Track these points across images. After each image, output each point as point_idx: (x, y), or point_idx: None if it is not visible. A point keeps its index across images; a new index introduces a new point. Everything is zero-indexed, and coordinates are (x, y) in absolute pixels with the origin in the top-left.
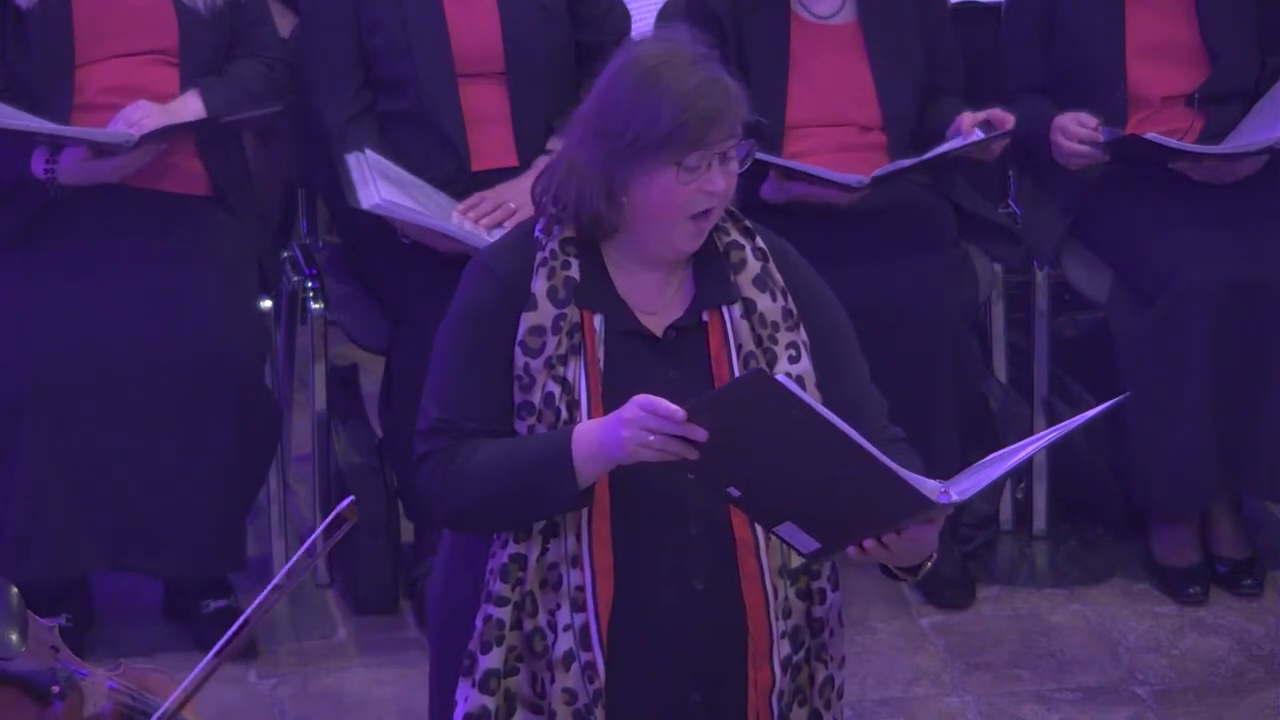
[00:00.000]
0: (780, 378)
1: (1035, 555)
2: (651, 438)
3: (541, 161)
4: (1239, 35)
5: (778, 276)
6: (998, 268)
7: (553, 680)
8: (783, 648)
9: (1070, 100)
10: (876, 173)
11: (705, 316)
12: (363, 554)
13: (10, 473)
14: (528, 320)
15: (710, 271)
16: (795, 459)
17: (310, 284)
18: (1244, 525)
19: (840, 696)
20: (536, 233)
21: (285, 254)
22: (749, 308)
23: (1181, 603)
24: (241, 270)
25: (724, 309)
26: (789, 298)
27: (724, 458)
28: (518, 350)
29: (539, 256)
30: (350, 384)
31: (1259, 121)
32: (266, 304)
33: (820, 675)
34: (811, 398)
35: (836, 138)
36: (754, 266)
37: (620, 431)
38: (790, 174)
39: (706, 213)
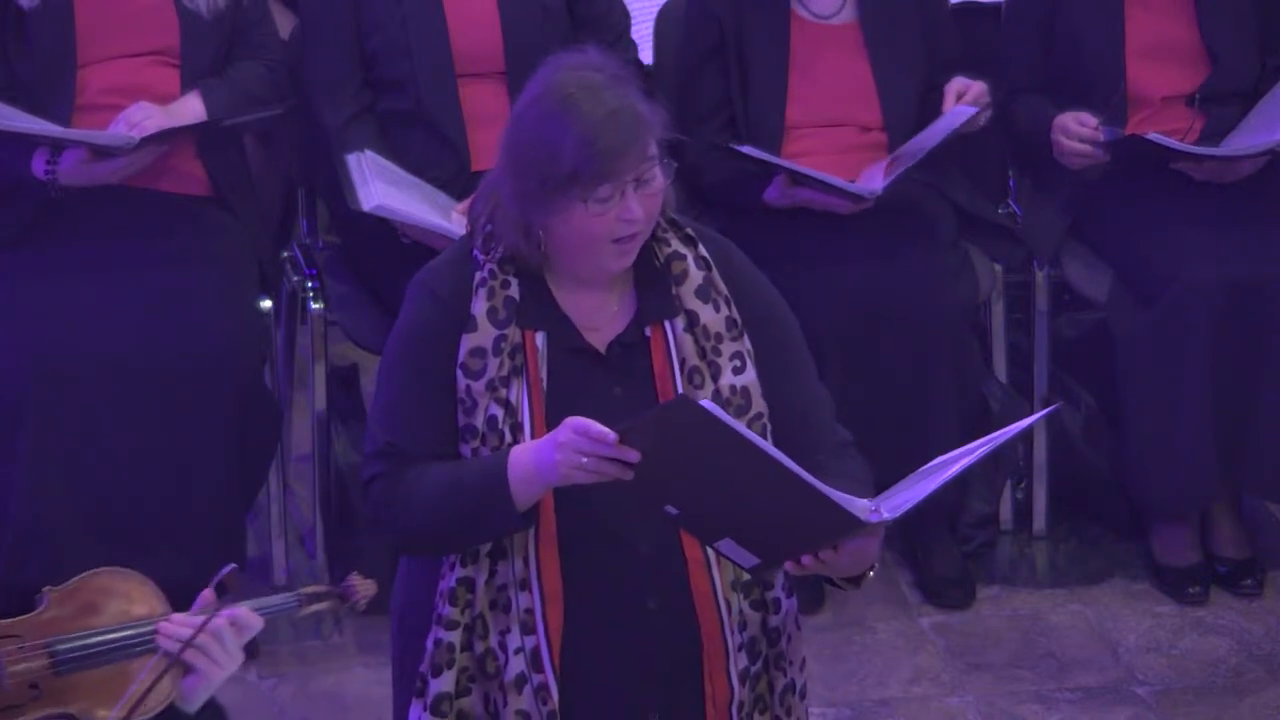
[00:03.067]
0: (705, 403)
1: (1035, 555)
2: (584, 460)
3: None
4: (1239, 35)
5: (721, 285)
6: (998, 268)
7: (505, 702)
8: (740, 660)
9: (1070, 100)
10: (887, 183)
11: (648, 331)
12: (363, 554)
13: (10, 473)
14: (468, 342)
15: (651, 285)
16: (727, 480)
17: (310, 284)
18: (1244, 525)
19: (803, 698)
20: (475, 252)
21: (285, 254)
22: (691, 320)
23: (1181, 603)
24: (241, 270)
25: (666, 323)
26: (733, 306)
27: (658, 478)
28: (459, 373)
29: (478, 276)
30: (350, 384)
31: (1260, 122)
32: (266, 304)
33: (780, 683)
34: (736, 421)
35: (837, 138)
36: (696, 277)
37: (553, 455)
38: (798, 180)
39: (632, 235)
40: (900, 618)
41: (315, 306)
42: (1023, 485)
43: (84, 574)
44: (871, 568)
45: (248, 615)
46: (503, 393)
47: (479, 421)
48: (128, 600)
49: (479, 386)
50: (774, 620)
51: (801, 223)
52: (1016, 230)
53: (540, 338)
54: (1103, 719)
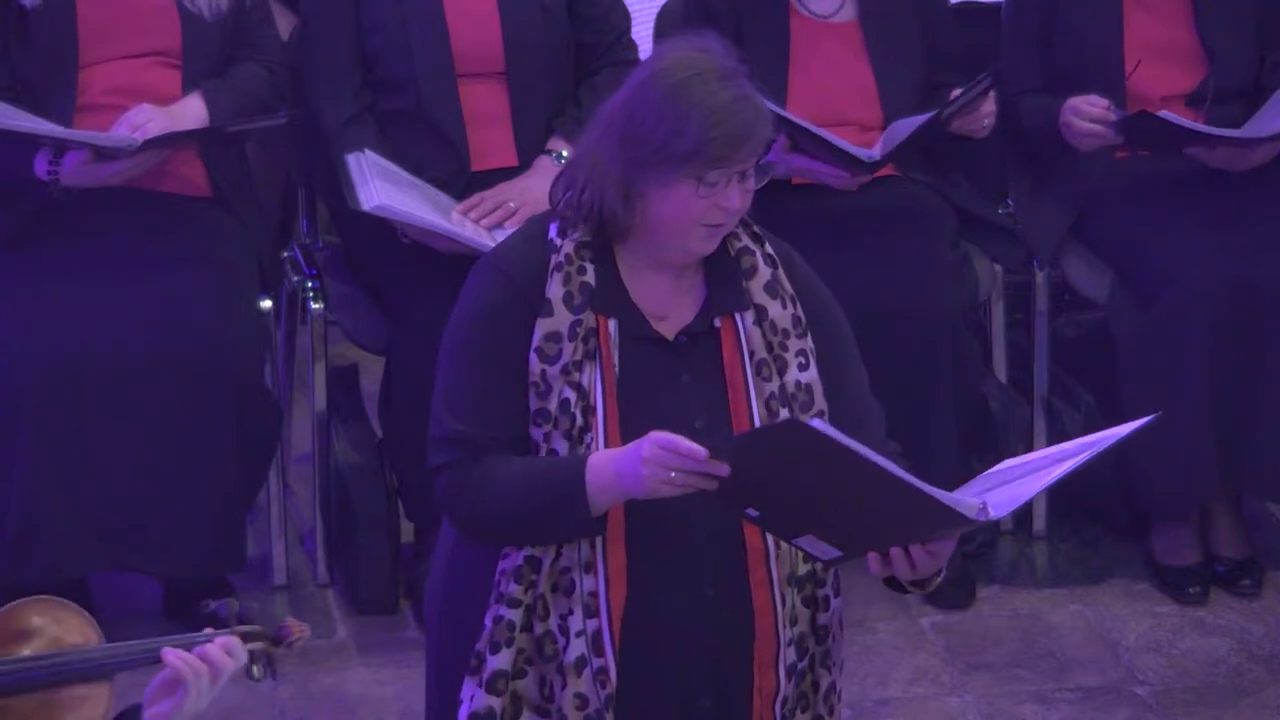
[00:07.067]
0: (814, 423)
1: (1035, 555)
2: (673, 475)
3: (543, 161)
4: (1237, 34)
5: (787, 284)
6: (998, 268)
7: (564, 685)
8: (788, 655)
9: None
10: (885, 150)
11: (717, 322)
12: (363, 554)
13: (10, 473)
14: (544, 326)
15: (722, 277)
16: (824, 489)
17: (310, 284)
18: (1244, 525)
19: (840, 700)
20: (551, 234)
21: (285, 254)
22: (760, 315)
23: (1181, 603)
24: (242, 271)
25: (736, 316)
26: (798, 305)
27: (745, 488)
28: (533, 356)
29: (554, 260)
30: (350, 384)
31: (1272, 113)
32: (266, 304)
33: (824, 681)
34: (847, 437)
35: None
36: (765, 273)
37: (639, 469)
38: (795, 145)
39: (722, 224)
40: (900, 618)
41: (315, 306)
42: None
43: (14, 602)
44: (940, 572)
45: (239, 645)
46: (576, 377)
47: (552, 405)
48: (61, 628)
49: (554, 371)
50: (823, 618)
51: (802, 222)
52: (1016, 230)
53: (613, 324)
54: (1102, 719)
